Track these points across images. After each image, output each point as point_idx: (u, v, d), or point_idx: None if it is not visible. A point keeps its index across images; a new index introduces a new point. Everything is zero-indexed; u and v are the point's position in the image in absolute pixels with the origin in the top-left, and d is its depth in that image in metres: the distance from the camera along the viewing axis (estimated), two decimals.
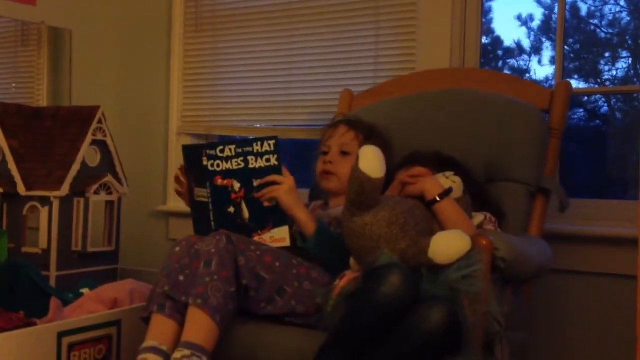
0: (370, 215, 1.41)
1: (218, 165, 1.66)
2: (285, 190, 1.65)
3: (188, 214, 2.66)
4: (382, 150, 1.42)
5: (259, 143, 1.66)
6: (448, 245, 1.36)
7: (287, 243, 1.67)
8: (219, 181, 1.66)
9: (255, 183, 1.67)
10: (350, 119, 1.93)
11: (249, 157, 1.67)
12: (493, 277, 1.41)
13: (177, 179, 1.77)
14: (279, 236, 1.67)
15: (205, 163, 1.66)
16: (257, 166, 1.67)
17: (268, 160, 1.67)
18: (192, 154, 1.70)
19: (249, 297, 1.54)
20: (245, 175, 1.67)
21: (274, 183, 1.66)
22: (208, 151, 1.66)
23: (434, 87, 2.03)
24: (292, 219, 1.67)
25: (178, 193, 1.81)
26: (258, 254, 1.56)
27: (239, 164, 1.66)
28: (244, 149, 1.66)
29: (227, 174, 1.66)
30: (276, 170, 1.67)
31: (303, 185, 1.81)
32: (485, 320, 1.37)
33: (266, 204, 1.67)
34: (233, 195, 1.67)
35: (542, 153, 1.84)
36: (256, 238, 1.67)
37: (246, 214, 1.67)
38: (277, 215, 1.67)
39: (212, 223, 1.66)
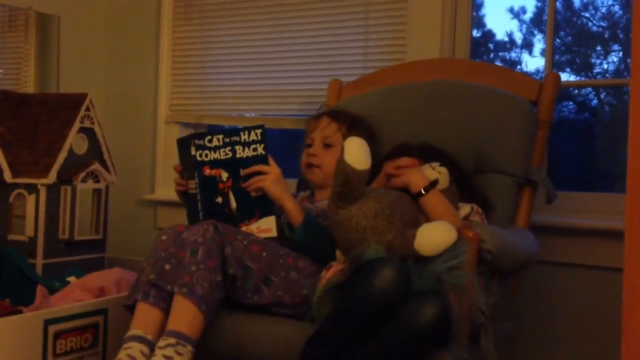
0: (356, 207, 1.41)
1: (206, 155, 1.66)
2: (272, 179, 1.65)
3: (176, 203, 2.67)
4: (367, 140, 1.42)
5: (246, 132, 1.67)
6: (434, 237, 1.37)
7: (274, 233, 1.67)
8: (207, 171, 1.66)
9: (242, 173, 1.66)
10: (334, 110, 1.92)
11: (237, 147, 1.67)
12: (479, 268, 1.41)
13: (176, 179, 1.75)
14: (265, 226, 1.67)
15: (193, 153, 1.65)
16: (244, 156, 1.67)
17: (255, 150, 1.67)
18: (183, 146, 1.70)
19: (235, 286, 1.54)
20: (233, 165, 1.67)
21: (260, 173, 1.66)
22: (196, 141, 1.65)
23: (423, 77, 2.02)
24: (279, 209, 1.67)
25: (178, 192, 1.77)
26: (245, 244, 1.55)
27: (226, 154, 1.66)
28: (232, 138, 1.67)
29: (215, 163, 1.66)
30: (263, 159, 1.67)
31: (291, 175, 1.81)
32: (470, 311, 1.37)
33: (253, 193, 1.67)
34: (221, 185, 1.67)
35: (530, 145, 1.84)
36: (243, 228, 1.66)
37: (233, 204, 1.67)
38: (264, 206, 1.67)
39: (200, 213, 1.66)
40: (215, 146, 1.66)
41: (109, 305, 1.88)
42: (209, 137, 1.66)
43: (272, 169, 1.66)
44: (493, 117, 1.84)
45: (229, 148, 1.66)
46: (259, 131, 1.67)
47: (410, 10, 2.28)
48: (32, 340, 1.69)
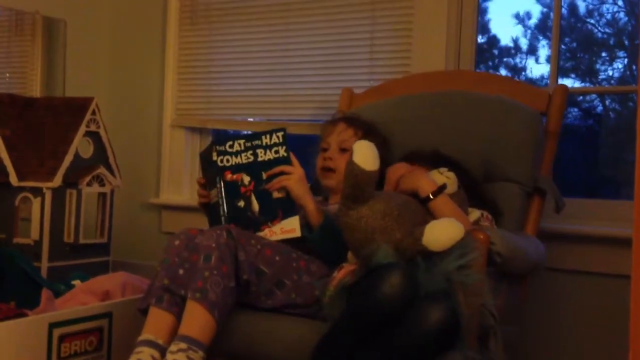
0: (366, 208, 1.42)
1: (227, 161, 1.66)
2: (295, 179, 1.66)
3: (180, 207, 2.69)
4: (380, 146, 1.44)
5: (268, 136, 1.68)
6: (441, 232, 1.37)
7: (298, 233, 1.67)
8: (229, 176, 1.67)
9: (265, 175, 1.67)
10: (350, 116, 1.94)
11: (258, 150, 1.68)
12: (489, 270, 1.42)
13: (200, 191, 1.76)
14: (289, 227, 1.67)
15: (215, 158, 1.66)
16: (266, 158, 1.68)
17: (277, 152, 1.68)
18: (205, 158, 1.71)
19: (249, 291, 1.55)
20: (255, 168, 1.67)
21: (283, 173, 1.67)
22: (218, 147, 1.66)
23: (433, 87, 2.05)
24: (298, 209, 1.67)
25: (200, 204, 1.77)
26: (258, 248, 1.56)
27: (248, 158, 1.67)
28: (253, 142, 1.67)
29: (237, 168, 1.67)
30: (285, 161, 1.68)
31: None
32: (479, 312, 1.37)
33: (276, 194, 1.67)
34: (242, 189, 1.67)
35: (538, 154, 1.86)
36: (266, 230, 1.66)
37: (256, 206, 1.67)
38: (286, 206, 1.67)
39: (222, 218, 1.66)
40: (237, 151, 1.67)
41: (114, 309, 1.89)
42: (230, 142, 1.67)
43: (296, 169, 1.67)
44: (502, 127, 1.86)
45: (251, 152, 1.67)
46: (280, 134, 1.68)
47: (416, 18, 2.29)
48: (36, 343, 1.69)
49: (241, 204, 1.67)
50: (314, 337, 1.39)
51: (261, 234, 1.65)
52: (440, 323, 1.28)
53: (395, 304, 1.30)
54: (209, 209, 1.73)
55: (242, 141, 1.67)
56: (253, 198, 1.67)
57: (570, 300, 2.06)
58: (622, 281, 1.84)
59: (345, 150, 1.83)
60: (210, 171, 1.70)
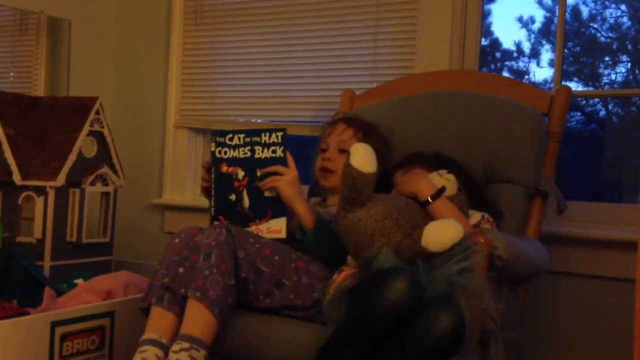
0: (364, 211, 1.42)
1: (225, 153, 1.69)
2: (287, 181, 1.66)
3: (183, 208, 2.69)
4: (381, 148, 1.44)
5: (267, 134, 1.69)
6: (441, 233, 1.36)
7: (283, 235, 1.68)
8: (224, 168, 1.70)
9: (259, 173, 1.69)
10: (350, 117, 1.93)
11: (256, 147, 1.69)
12: (490, 274, 1.41)
13: (203, 174, 1.77)
14: (275, 227, 1.68)
15: (213, 149, 1.69)
16: (262, 156, 1.69)
17: (274, 152, 1.69)
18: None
19: (247, 290, 1.55)
20: (250, 164, 1.69)
21: (276, 173, 1.67)
22: (218, 138, 1.70)
23: (435, 88, 2.04)
24: (291, 212, 1.67)
25: (202, 189, 1.79)
26: (257, 247, 1.56)
27: (245, 153, 1.69)
28: (252, 138, 1.70)
29: (233, 161, 1.69)
30: (281, 161, 1.69)
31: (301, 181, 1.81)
32: (481, 317, 1.37)
33: (267, 193, 1.68)
34: (236, 183, 1.69)
35: (541, 156, 1.85)
36: (253, 227, 1.68)
37: (246, 202, 1.69)
38: (276, 207, 1.68)
39: (212, 209, 1.68)
40: (236, 144, 1.69)
41: (116, 308, 1.89)
42: (230, 135, 1.70)
43: (289, 171, 1.67)
44: (505, 128, 1.85)
45: (249, 148, 1.69)
46: (280, 134, 1.69)
47: (419, 20, 2.29)
48: (39, 341, 1.69)
49: (232, 197, 1.69)
50: (314, 341, 1.39)
51: (248, 230, 1.66)
52: (450, 329, 1.26)
53: (399, 310, 1.28)
54: (209, 194, 1.75)
55: (241, 135, 1.69)
56: (245, 194, 1.69)
57: (574, 304, 2.06)
58: (626, 285, 1.84)
59: (345, 151, 1.82)
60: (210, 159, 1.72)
